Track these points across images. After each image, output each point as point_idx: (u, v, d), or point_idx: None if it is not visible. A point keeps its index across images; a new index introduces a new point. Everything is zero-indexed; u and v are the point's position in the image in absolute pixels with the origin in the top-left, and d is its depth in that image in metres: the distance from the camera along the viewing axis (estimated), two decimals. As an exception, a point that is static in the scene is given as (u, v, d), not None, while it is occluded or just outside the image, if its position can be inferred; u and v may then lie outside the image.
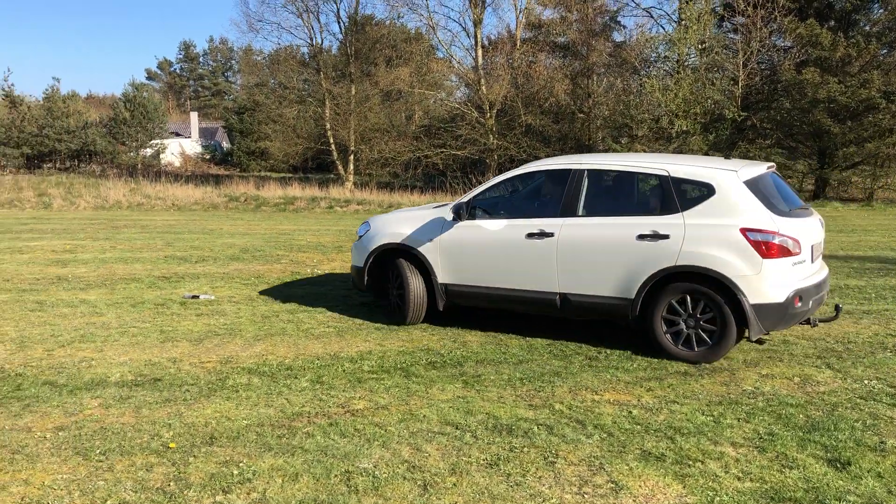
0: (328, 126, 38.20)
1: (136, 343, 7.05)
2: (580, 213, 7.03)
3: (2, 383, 5.86)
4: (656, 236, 6.52)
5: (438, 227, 7.72)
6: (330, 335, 7.38)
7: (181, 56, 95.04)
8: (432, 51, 39.36)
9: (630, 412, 5.16)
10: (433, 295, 7.78)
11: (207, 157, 62.80)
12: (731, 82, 26.92)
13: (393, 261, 7.97)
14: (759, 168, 6.92)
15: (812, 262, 6.64)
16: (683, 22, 27.53)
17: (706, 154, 25.29)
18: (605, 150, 29.84)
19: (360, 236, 8.39)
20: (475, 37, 33.62)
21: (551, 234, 7.03)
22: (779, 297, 6.19)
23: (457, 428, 4.89)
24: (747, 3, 26.32)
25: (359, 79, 37.77)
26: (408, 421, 5.02)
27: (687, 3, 27.72)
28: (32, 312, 8.33)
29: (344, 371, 6.17)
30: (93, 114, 58.28)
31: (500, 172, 29.87)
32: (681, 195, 6.64)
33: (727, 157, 7.77)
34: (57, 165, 51.68)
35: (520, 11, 33.91)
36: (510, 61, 32.53)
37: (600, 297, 6.83)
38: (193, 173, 45.67)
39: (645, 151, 25.91)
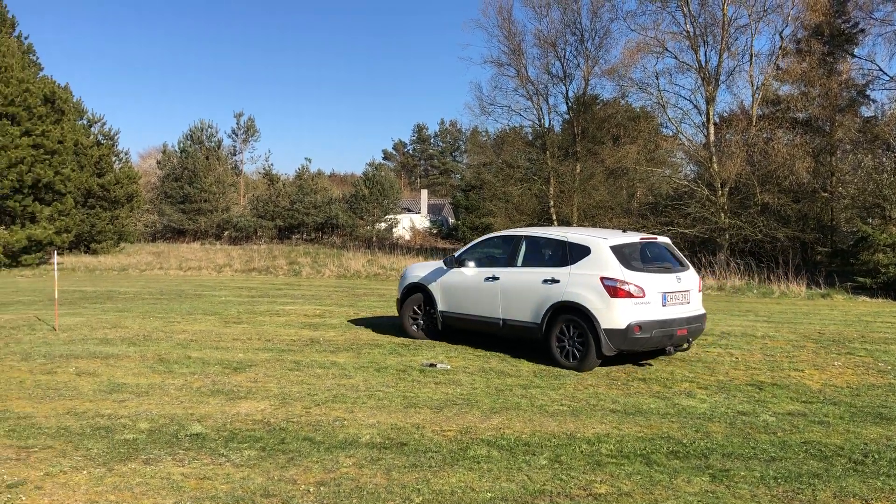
0: (551, 203, 38.72)
1: (381, 406, 7.47)
2: (518, 265, 10.17)
3: (269, 436, 6.45)
4: (553, 281, 9.52)
5: (440, 272, 11.05)
6: (564, 413, 7.35)
7: (414, 137, 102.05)
8: (659, 128, 38.85)
9: (911, 528, 4.60)
10: (435, 318, 11.06)
11: (434, 231, 66.12)
12: None
13: (415, 294, 11.38)
14: (630, 238, 9.82)
15: (664, 305, 9.16)
16: (948, 94, 25.01)
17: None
18: (851, 233, 27.66)
19: (401, 278, 11.88)
20: (707, 114, 32.69)
21: (498, 278, 10.20)
22: (621, 324, 8.88)
23: (708, 524, 4.63)
24: None
25: (584, 157, 38.14)
26: (654, 511, 4.83)
27: (953, 73, 25.20)
28: (291, 371, 9.13)
29: (582, 452, 6.10)
30: (335, 190, 63.96)
31: (733, 253, 28.62)
32: (571, 254, 9.57)
33: (625, 230, 10.86)
34: (304, 236, 57.03)
35: (756, 88, 32.61)
36: (745, 138, 31.18)
37: (523, 321, 9.81)
38: (422, 246, 48.17)
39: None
